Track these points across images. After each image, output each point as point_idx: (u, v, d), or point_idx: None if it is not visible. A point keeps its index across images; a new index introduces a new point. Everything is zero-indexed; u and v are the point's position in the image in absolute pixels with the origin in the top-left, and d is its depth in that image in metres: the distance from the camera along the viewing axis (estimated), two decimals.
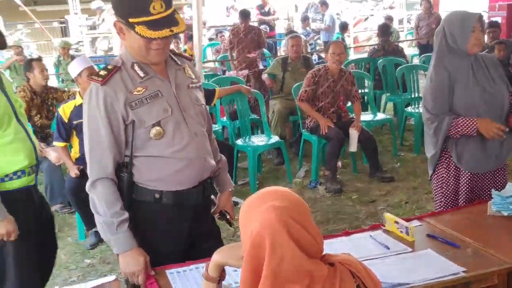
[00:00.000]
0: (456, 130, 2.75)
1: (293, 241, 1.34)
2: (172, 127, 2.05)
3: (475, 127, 2.70)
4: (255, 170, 5.15)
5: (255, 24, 10.55)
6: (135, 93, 2.01)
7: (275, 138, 5.43)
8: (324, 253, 1.43)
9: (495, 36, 7.30)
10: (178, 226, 2.16)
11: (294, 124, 6.34)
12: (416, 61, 9.93)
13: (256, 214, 1.39)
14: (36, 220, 2.53)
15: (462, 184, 2.90)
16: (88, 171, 2.04)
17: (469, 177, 2.84)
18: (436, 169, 2.93)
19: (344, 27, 11.87)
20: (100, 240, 4.17)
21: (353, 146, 5.08)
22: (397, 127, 6.49)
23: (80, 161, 4.18)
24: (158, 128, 2.02)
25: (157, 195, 2.08)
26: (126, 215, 2.02)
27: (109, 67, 2.04)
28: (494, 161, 2.83)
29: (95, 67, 4.18)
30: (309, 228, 1.37)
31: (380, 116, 6.29)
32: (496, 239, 2.22)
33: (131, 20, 1.91)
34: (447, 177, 2.96)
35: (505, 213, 2.42)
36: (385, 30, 7.83)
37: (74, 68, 4.10)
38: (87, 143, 2.03)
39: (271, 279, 1.32)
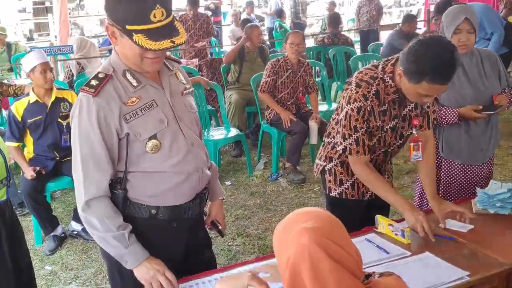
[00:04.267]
0: (439, 119, 2.79)
1: (334, 261, 1.26)
2: (169, 139, 1.91)
3: (456, 113, 2.77)
4: (216, 164, 5.03)
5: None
6: (129, 104, 1.85)
7: (234, 131, 5.34)
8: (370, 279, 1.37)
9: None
10: (175, 241, 2.04)
11: (249, 115, 6.26)
12: (357, 47, 10.08)
13: (289, 239, 1.31)
14: (8, 240, 2.33)
15: (443, 175, 2.95)
16: (80, 191, 1.86)
17: (453, 168, 2.89)
18: None
19: (280, 13, 11.65)
20: (59, 245, 3.96)
21: (314, 139, 5.08)
22: None
23: (35, 161, 3.95)
24: (154, 141, 1.88)
25: (153, 211, 1.95)
26: (130, 226, 1.89)
27: (100, 75, 1.86)
28: (482, 155, 2.88)
29: (50, 62, 3.91)
30: (346, 246, 1.30)
31: (335, 106, 6.30)
32: (490, 239, 2.24)
33: (128, 27, 1.73)
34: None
35: (492, 211, 2.46)
36: (336, 20, 7.82)
37: (28, 63, 3.84)
38: (79, 160, 1.84)
39: None
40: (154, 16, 1.72)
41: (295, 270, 1.27)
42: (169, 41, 1.74)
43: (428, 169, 2.51)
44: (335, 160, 2.56)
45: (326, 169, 2.60)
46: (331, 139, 2.56)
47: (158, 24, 1.74)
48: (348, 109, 2.28)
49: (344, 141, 2.34)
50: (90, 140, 1.82)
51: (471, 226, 2.32)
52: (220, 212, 2.31)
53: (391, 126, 2.37)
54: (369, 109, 2.28)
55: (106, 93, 1.83)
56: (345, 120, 2.30)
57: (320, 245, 1.27)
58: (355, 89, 2.27)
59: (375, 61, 6.67)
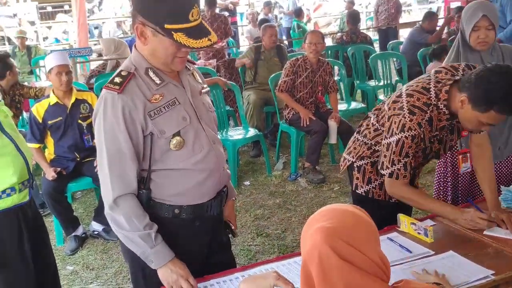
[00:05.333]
0: None
1: (343, 260, 1.24)
2: (192, 136, 1.91)
3: None
4: (234, 164, 5.04)
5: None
6: (152, 101, 1.85)
7: (252, 131, 5.34)
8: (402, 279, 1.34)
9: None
10: (198, 240, 2.04)
11: (267, 115, 6.25)
12: (375, 46, 10.01)
13: (307, 236, 1.31)
14: (30, 241, 2.34)
15: (461, 175, 2.90)
16: (107, 189, 1.86)
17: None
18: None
19: (299, 12, 11.67)
20: (80, 245, 4.00)
21: (333, 138, 5.06)
22: None
23: (56, 162, 3.98)
24: (178, 138, 1.88)
25: (176, 211, 1.95)
26: (156, 225, 1.89)
27: (122, 73, 1.86)
28: (499, 153, 2.83)
29: (70, 65, 3.94)
30: (363, 248, 1.27)
31: (354, 105, 6.28)
32: None
33: (167, 26, 1.74)
34: (444, 166, 2.98)
35: None
36: (355, 17, 7.78)
37: (47, 63, 3.90)
38: (105, 158, 1.84)
39: None
40: (192, 16, 1.75)
41: (306, 268, 1.28)
42: (206, 39, 1.77)
43: (487, 177, 2.43)
44: (366, 159, 2.52)
45: (355, 165, 2.57)
46: (362, 137, 2.53)
47: (195, 23, 1.76)
48: (402, 137, 2.21)
49: (392, 166, 2.28)
50: (116, 137, 1.82)
51: None
52: (232, 212, 2.31)
53: (439, 138, 2.32)
54: (422, 136, 2.24)
55: (131, 90, 1.83)
56: (396, 146, 2.24)
57: (330, 245, 1.26)
58: (408, 117, 2.19)
59: (394, 59, 6.66)
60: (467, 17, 2.74)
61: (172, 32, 1.74)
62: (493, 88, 2.02)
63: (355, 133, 2.62)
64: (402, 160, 2.26)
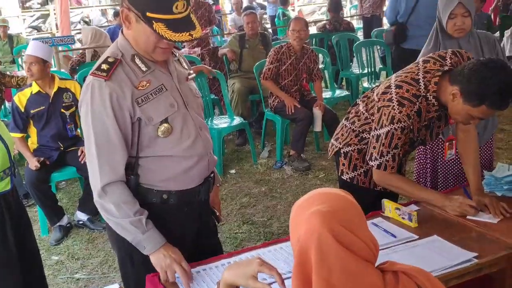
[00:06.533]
0: None
1: (342, 246, 1.25)
2: (180, 123, 1.91)
3: None
4: (220, 152, 5.04)
5: None
6: (140, 88, 1.84)
7: (237, 119, 5.33)
8: (386, 260, 1.35)
9: None
10: (187, 225, 2.04)
11: (252, 103, 6.24)
12: (360, 34, 10.03)
13: (302, 219, 1.30)
14: (14, 229, 2.32)
15: (441, 162, 2.93)
16: (96, 177, 1.84)
17: None
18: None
19: (285, 0, 11.68)
20: (65, 235, 3.97)
21: (318, 126, 5.07)
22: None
23: (39, 152, 3.95)
24: (166, 125, 1.87)
25: (164, 196, 1.95)
26: (146, 211, 1.88)
27: (109, 60, 1.84)
28: (479, 138, 2.86)
29: (41, 57, 3.85)
30: (359, 233, 1.28)
31: (339, 92, 6.29)
32: (498, 221, 2.23)
33: (149, 14, 1.72)
34: (424, 153, 3.01)
35: (499, 194, 2.44)
36: (337, 5, 7.78)
37: (26, 51, 3.85)
38: (93, 145, 1.82)
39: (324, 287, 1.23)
40: (176, 8, 1.72)
41: (303, 250, 1.27)
42: (187, 33, 1.74)
43: (471, 162, 2.46)
44: (353, 146, 2.53)
45: (342, 152, 2.58)
46: (350, 124, 2.54)
47: (179, 16, 1.73)
48: (391, 129, 2.23)
49: (380, 157, 2.30)
50: (104, 124, 1.81)
51: (499, 218, 2.24)
52: (217, 198, 2.32)
53: (426, 125, 2.33)
54: (411, 127, 2.25)
55: (118, 77, 1.81)
56: (385, 138, 2.25)
57: (330, 229, 1.26)
58: (398, 108, 2.21)
59: (378, 46, 6.68)
60: (443, 5, 2.76)
61: (153, 22, 1.73)
62: (487, 83, 2.04)
63: (343, 120, 2.63)
64: (391, 152, 2.27)
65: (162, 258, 1.86)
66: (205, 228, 2.15)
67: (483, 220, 2.23)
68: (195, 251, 2.08)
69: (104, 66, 1.82)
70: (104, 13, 15.08)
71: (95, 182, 1.85)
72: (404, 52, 6.02)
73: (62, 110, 3.93)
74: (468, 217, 2.26)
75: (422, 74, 2.25)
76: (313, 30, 9.62)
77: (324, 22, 7.99)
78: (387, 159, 2.29)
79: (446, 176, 3.02)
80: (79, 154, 3.90)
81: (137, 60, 1.86)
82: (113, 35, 6.74)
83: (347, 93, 6.50)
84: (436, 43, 2.84)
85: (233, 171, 5.12)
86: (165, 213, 1.96)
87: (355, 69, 7.20)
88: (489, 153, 3.01)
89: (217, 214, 2.30)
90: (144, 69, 1.86)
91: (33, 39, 6.56)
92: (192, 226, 2.07)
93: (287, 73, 5.11)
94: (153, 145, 1.89)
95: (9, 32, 8.40)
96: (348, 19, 9.09)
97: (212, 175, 2.12)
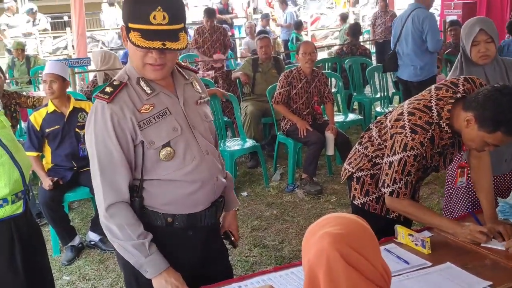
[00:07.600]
0: None
1: (351, 267, 1.24)
2: (183, 147, 1.91)
3: None
4: (232, 175, 5.02)
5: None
6: (142, 111, 1.86)
7: (250, 142, 5.35)
8: None
9: (456, 34, 7.50)
10: (191, 249, 2.03)
11: (265, 126, 6.27)
12: (372, 59, 10.06)
13: (312, 242, 1.30)
14: (22, 253, 2.32)
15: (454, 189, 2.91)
16: (100, 198, 1.86)
17: None
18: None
19: (299, 25, 11.83)
20: (77, 255, 3.98)
21: (331, 150, 5.07)
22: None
23: (53, 172, 3.97)
24: (168, 148, 1.88)
25: (169, 219, 1.95)
26: (151, 234, 1.89)
27: (115, 83, 1.88)
28: (506, 165, 2.84)
29: (61, 75, 3.93)
30: (369, 257, 1.27)
31: (351, 116, 6.30)
32: None
33: (130, 25, 1.78)
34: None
35: None
36: (357, 30, 7.82)
37: (45, 70, 3.93)
38: (96, 166, 1.85)
39: None
40: (154, 18, 1.74)
41: (313, 272, 1.27)
42: (160, 42, 1.74)
43: (485, 189, 2.43)
44: (366, 171, 2.52)
45: (354, 176, 2.57)
46: (363, 149, 2.54)
47: (158, 27, 1.75)
48: (404, 156, 2.22)
49: (393, 184, 2.29)
50: (107, 145, 1.83)
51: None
52: (234, 222, 2.29)
53: (439, 151, 2.32)
54: (424, 154, 2.25)
55: (120, 100, 1.84)
56: (398, 165, 2.25)
57: (339, 250, 1.25)
58: (410, 136, 2.20)
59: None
60: (465, 33, 2.78)
61: (131, 30, 1.77)
62: (502, 109, 2.03)
63: (356, 144, 2.63)
64: (403, 179, 2.27)
65: (164, 284, 1.87)
66: (213, 252, 2.13)
67: (497, 248, 2.20)
68: (204, 275, 2.07)
69: (108, 89, 1.86)
70: (120, 36, 15.26)
71: (100, 203, 1.87)
72: (400, 81, 6.00)
73: (77, 130, 3.98)
74: (482, 244, 2.23)
75: (435, 102, 2.25)
76: (325, 55, 9.70)
77: (342, 45, 8.02)
78: (400, 186, 2.28)
79: (459, 203, 2.99)
80: None
81: (142, 83, 1.89)
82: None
83: (359, 117, 6.50)
84: (461, 71, 2.84)
85: (244, 193, 5.12)
86: (170, 236, 1.96)
87: (368, 93, 7.20)
88: (511, 181, 2.98)
89: (232, 239, 2.27)
90: (148, 91, 1.88)
91: (51, 61, 6.67)
92: (196, 250, 2.05)
93: (298, 96, 5.14)
94: (156, 168, 1.90)
95: (26, 53, 8.55)
96: (361, 43, 9.13)
97: (220, 199, 2.11)
